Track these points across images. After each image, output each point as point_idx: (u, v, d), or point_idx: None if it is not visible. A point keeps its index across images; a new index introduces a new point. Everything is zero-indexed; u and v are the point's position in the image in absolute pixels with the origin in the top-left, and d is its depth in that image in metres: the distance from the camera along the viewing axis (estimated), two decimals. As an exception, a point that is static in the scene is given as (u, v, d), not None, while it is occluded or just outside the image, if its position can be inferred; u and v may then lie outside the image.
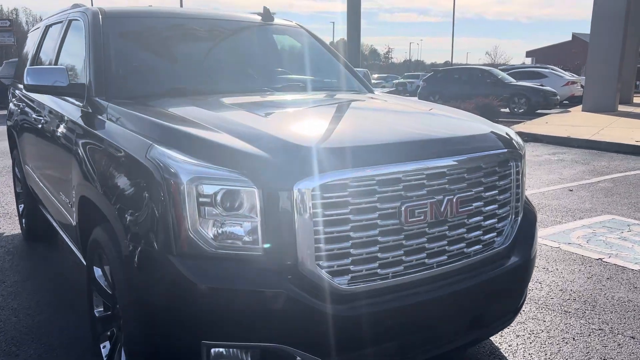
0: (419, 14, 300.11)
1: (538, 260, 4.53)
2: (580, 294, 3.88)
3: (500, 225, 2.54)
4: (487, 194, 2.43)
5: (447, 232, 2.29)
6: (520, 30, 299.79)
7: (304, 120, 2.64)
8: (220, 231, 1.97)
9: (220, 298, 1.93)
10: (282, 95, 3.16)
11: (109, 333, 2.63)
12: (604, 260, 4.57)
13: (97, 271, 2.64)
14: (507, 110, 19.66)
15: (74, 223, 2.98)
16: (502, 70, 24.92)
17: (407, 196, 2.15)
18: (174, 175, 1.97)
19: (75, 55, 3.45)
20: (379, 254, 2.11)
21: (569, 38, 77.65)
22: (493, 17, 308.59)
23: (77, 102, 3.06)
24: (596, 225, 5.59)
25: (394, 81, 44.40)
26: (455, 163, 2.29)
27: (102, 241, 2.40)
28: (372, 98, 3.40)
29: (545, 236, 5.21)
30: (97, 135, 2.61)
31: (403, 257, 2.17)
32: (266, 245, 1.98)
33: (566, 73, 26.20)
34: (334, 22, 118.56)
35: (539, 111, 19.78)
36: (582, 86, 22.74)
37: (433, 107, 3.31)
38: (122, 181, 2.27)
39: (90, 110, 2.86)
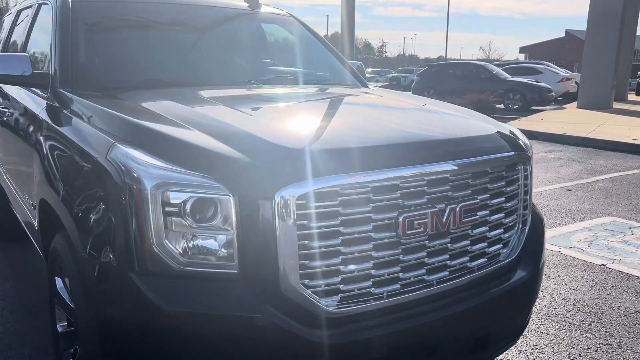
0: (413, 8, 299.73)
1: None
2: (585, 304, 3.65)
3: (506, 236, 2.30)
4: (493, 201, 2.18)
5: (449, 245, 2.04)
6: (513, 26, 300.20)
7: (290, 118, 2.37)
8: (189, 245, 1.71)
9: (188, 323, 1.67)
10: (268, 89, 2.89)
11: (72, 351, 2.37)
12: (607, 266, 4.35)
13: (59, 282, 2.36)
14: (501, 106, 19.46)
15: (36, 227, 2.71)
16: (497, 65, 24.71)
17: (406, 205, 1.90)
18: (136, 180, 1.70)
19: (43, 42, 3.16)
20: (372, 271, 1.86)
21: (562, 34, 77.61)
22: (487, 13, 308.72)
23: (41, 94, 2.78)
24: (597, 228, 5.37)
25: (388, 75, 44.11)
26: (460, 167, 2.04)
27: (62, 251, 2.13)
28: (366, 93, 3.13)
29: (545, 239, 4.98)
30: (58, 131, 2.33)
31: (400, 274, 1.92)
32: (243, 262, 1.72)
33: (561, 69, 26.04)
34: (328, 15, 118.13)
35: (533, 107, 19.60)
36: (576, 83, 22.58)
37: (432, 104, 3.06)
38: (81, 185, 2.00)
39: (53, 103, 2.58)
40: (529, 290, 2.36)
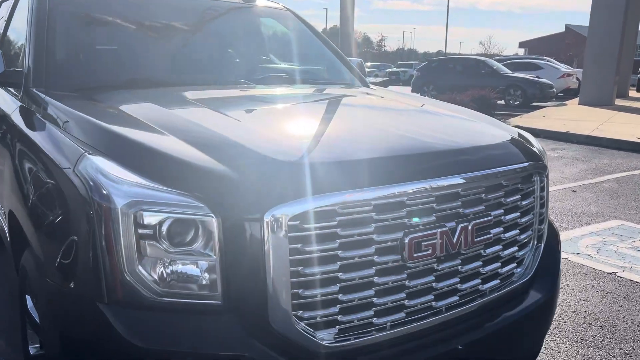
0: (412, 1, 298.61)
1: (546, 275, 4.10)
2: (596, 317, 3.45)
3: (520, 254, 2.09)
4: (507, 217, 1.98)
5: (459, 267, 1.83)
6: (513, 21, 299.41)
7: (282, 125, 2.15)
8: (166, 273, 1.50)
9: (164, 364, 1.46)
10: (261, 90, 2.67)
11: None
12: (617, 274, 4.14)
13: (29, 301, 2.15)
14: (502, 102, 19.23)
15: (8, 238, 2.49)
16: (497, 60, 24.46)
17: (412, 225, 1.69)
18: (105, 198, 1.48)
19: (20, 36, 2.93)
20: (375, 299, 1.65)
21: (562, 29, 77.25)
22: (486, 7, 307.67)
23: (15, 93, 2.55)
24: (605, 233, 5.17)
25: (387, 70, 43.82)
26: (472, 181, 1.83)
27: (29, 270, 1.91)
28: (366, 94, 2.92)
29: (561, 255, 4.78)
30: (27, 136, 2.11)
31: (405, 302, 1.71)
32: (228, 292, 1.51)
33: (562, 65, 25.80)
34: (327, 8, 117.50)
35: (534, 104, 19.36)
36: (577, 79, 22.34)
37: (437, 106, 2.84)
38: (48, 200, 1.78)
39: (25, 105, 2.36)
40: (545, 313, 2.16)
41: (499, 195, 1.94)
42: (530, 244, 2.15)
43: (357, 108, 2.61)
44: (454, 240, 1.77)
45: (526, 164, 2.08)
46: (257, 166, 1.58)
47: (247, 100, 2.48)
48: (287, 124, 2.15)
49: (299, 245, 1.52)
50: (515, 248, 2.05)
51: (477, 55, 32.11)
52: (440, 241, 1.73)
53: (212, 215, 1.47)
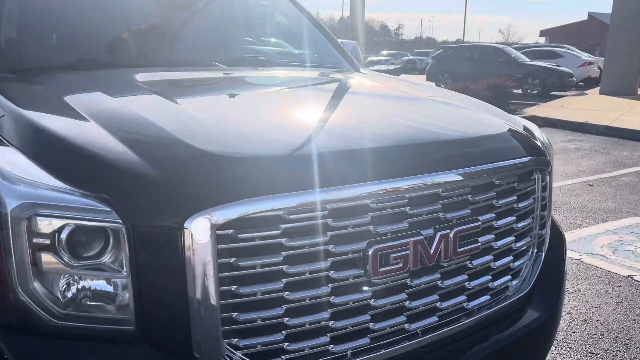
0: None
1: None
2: (609, 327, 3.13)
3: (517, 264, 1.79)
4: (500, 222, 1.67)
5: (439, 282, 1.54)
6: (534, 9, 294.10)
7: (235, 112, 1.83)
8: (68, 291, 1.22)
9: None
10: (230, 72, 2.37)
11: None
12: (635, 278, 3.80)
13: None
14: (519, 91, 18.69)
15: None
16: (516, 49, 23.82)
17: (378, 233, 1.39)
18: None
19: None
20: (331, 323, 1.36)
21: (585, 17, 75.45)
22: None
23: None
24: (623, 231, 4.81)
25: (404, 58, 43.19)
26: (456, 179, 1.53)
27: None
28: (350, 78, 2.60)
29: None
30: None
31: (370, 325, 1.42)
32: (143, 316, 1.23)
33: (583, 53, 25.05)
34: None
35: (553, 93, 18.79)
36: (599, 67, 21.65)
37: (428, 92, 2.52)
38: None
39: None
40: (546, 333, 1.86)
41: (490, 196, 1.63)
42: (529, 253, 1.85)
43: (330, 94, 2.30)
44: (432, 251, 1.47)
45: (525, 159, 1.77)
46: (182, 162, 1.29)
47: (208, 85, 2.19)
48: (241, 112, 1.83)
49: (231, 260, 1.24)
50: (510, 258, 1.75)
51: (497, 43, 31.35)
52: (414, 252, 1.44)
53: (121, 222, 1.19)
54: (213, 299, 1.22)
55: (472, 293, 1.63)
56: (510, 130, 1.90)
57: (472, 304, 1.63)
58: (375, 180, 1.40)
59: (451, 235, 1.51)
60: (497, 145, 1.76)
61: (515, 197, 1.73)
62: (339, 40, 3.51)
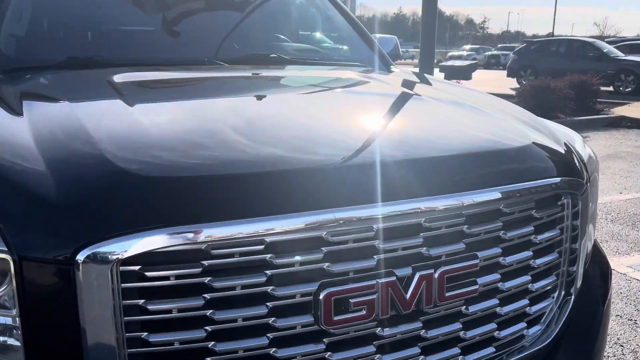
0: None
1: (623, 308, 3.29)
2: (682, 371, 2.65)
3: (536, 308, 1.46)
4: (509, 258, 1.35)
5: (421, 333, 1.25)
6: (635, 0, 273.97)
7: (193, 122, 1.52)
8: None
9: None
10: (224, 72, 2.15)
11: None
12: None
13: None
14: (610, 88, 17.30)
15: None
16: (611, 42, 22.13)
17: (333, 273, 1.13)
18: None
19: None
20: (270, 381, 1.12)
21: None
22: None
23: None
24: None
25: (487, 53, 41.53)
26: (444, 206, 1.23)
27: None
28: (372, 79, 2.29)
29: (636, 265, 3.91)
30: None
31: (325, 384, 1.16)
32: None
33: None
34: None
35: (649, 91, 17.25)
36: None
37: (451, 94, 2.17)
38: None
39: None
40: None
41: (495, 227, 1.32)
42: (555, 294, 1.51)
43: (334, 98, 1.98)
44: (407, 296, 1.19)
45: (549, 181, 1.43)
46: (83, 183, 1.09)
47: (188, 87, 1.97)
48: (202, 121, 1.55)
49: (140, 302, 1.03)
50: (526, 301, 1.43)
51: (589, 37, 29.26)
52: (383, 297, 1.16)
53: (7, 252, 1.01)
54: (114, 350, 1.01)
55: (468, 345, 1.33)
56: (534, 143, 1.56)
57: (469, 358, 1.33)
58: (332, 207, 1.13)
59: (436, 276, 1.22)
60: (510, 163, 1.43)
61: (532, 228, 1.40)
62: (377, 35, 3.23)
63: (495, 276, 1.34)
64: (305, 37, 2.86)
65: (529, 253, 1.40)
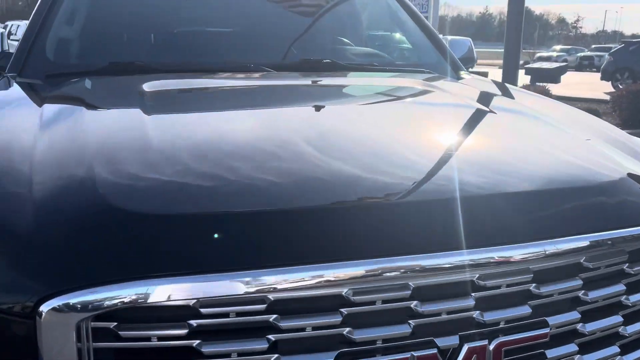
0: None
1: None
2: None
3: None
4: (591, 326, 1.07)
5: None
6: None
7: (208, 146, 1.27)
8: None
9: None
10: (266, 80, 1.94)
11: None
12: None
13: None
14: None
15: None
16: None
17: (355, 342, 0.90)
18: None
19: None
20: None
21: None
22: None
23: None
24: None
25: (579, 54, 39.19)
26: (503, 259, 0.97)
27: None
28: (433, 89, 2.00)
29: None
30: None
31: None
32: None
33: None
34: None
35: None
36: None
37: (538, 111, 1.85)
38: None
39: None
40: None
41: (572, 286, 1.04)
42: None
43: (375, 115, 1.66)
44: (467, 366, 0.94)
45: None
46: (59, 219, 0.93)
47: (219, 98, 1.77)
48: (215, 146, 1.28)
49: (109, 365, 0.85)
50: (613, 378, 1.12)
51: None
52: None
53: None
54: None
55: None
56: (630, 175, 1.24)
57: None
58: (352, 257, 0.91)
59: (491, 348, 0.96)
60: (597, 202, 1.14)
61: (624, 287, 1.10)
62: (449, 37, 2.92)
63: (571, 348, 1.05)
64: (365, 40, 2.61)
65: (617, 318, 1.10)
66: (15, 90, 1.79)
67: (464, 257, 0.94)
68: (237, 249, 0.89)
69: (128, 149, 1.19)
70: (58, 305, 0.82)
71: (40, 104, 1.54)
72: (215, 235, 0.90)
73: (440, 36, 2.80)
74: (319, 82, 2.01)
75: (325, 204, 1.01)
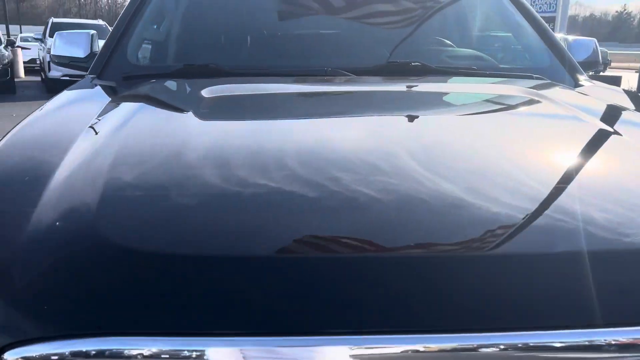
0: None
1: None
2: None
3: None
4: None
5: None
6: None
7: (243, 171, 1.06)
8: None
9: None
10: (338, 86, 1.75)
11: None
12: None
13: None
14: None
15: None
16: None
17: None
18: None
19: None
20: None
21: None
22: None
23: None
24: None
25: None
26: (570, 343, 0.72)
27: None
28: (541, 98, 1.65)
29: None
30: None
31: None
32: None
33: None
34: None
35: None
36: None
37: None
38: None
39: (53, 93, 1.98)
40: None
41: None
42: None
43: (464, 132, 1.36)
44: None
45: None
46: (36, 258, 0.80)
47: (274, 106, 1.59)
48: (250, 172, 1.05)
49: None
50: None
51: None
52: None
53: None
54: None
55: None
56: None
57: None
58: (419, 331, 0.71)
59: None
60: None
61: None
62: (570, 37, 2.56)
63: None
64: (471, 40, 2.30)
65: None
66: (83, 92, 1.77)
67: (596, 337, 0.70)
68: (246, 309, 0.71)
69: (158, 172, 1.04)
70: (23, 358, 0.70)
71: (98, 107, 1.47)
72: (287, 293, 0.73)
73: (561, 36, 2.44)
74: (396, 89, 1.76)
75: (424, 257, 0.80)
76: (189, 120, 1.30)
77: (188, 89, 1.68)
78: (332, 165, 1.05)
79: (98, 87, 1.80)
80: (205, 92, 1.50)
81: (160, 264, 0.76)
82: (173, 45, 2.14)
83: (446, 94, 1.82)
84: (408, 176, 1.01)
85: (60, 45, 2.29)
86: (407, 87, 1.80)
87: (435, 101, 1.72)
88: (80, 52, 2.26)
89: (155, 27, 2.22)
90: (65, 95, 1.68)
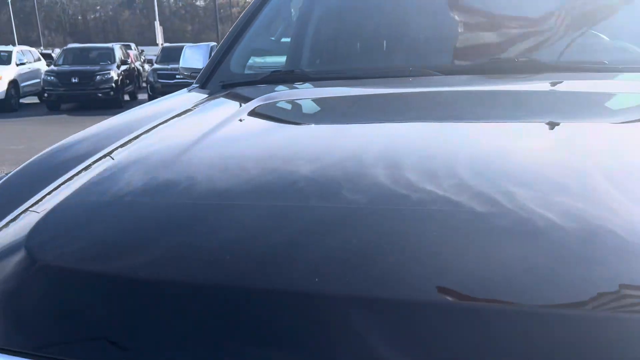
0: None
1: None
2: None
3: None
4: None
5: None
6: None
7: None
8: None
9: None
10: (427, 87, 1.60)
11: None
12: None
13: None
14: None
15: None
16: None
17: None
18: None
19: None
20: None
21: None
22: None
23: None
24: None
25: None
26: None
27: None
28: None
29: None
30: None
31: None
32: None
33: None
34: None
35: None
36: None
37: None
38: None
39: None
40: None
41: None
42: None
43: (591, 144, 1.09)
44: None
45: None
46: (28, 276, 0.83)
47: (347, 111, 1.50)
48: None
49: None
50: None
51: None
52: None
53: None
54: None
55: None
56: None
57: None
58: None
59: None
60: None
61: None
62: None
63: None
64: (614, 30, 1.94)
65: None
66: (174, 99, 1.86)
67: None
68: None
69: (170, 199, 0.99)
70: None
71: (178, 114, 1.55)
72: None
73: None
74: (481, 88, 1.57)
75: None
76: (234, 128, 1.32)
77: (260, 94, 1.70)
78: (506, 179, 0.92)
79: (193, 96, 1.89)
80: (280, 96, 1.51)
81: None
82: (266, 47, 2.18)
83: (601, 94, 1.46)
84: (595, 199, 0.83)
85: (185, 58, 2.49)
86: (551, 83, 1.51)
87: (589, 104, 1.40)
88: (200, 64, 2.42)
89: (261, 36, 2.29)
90: (153, 103, 1.79)
